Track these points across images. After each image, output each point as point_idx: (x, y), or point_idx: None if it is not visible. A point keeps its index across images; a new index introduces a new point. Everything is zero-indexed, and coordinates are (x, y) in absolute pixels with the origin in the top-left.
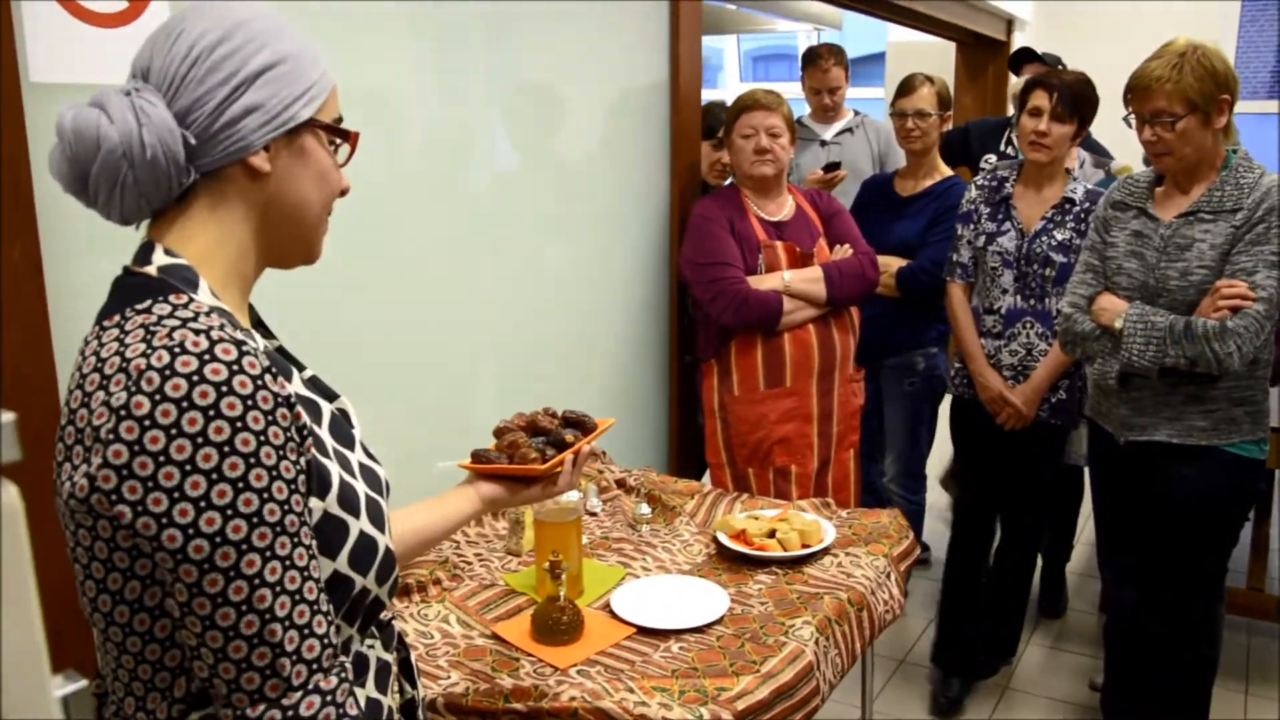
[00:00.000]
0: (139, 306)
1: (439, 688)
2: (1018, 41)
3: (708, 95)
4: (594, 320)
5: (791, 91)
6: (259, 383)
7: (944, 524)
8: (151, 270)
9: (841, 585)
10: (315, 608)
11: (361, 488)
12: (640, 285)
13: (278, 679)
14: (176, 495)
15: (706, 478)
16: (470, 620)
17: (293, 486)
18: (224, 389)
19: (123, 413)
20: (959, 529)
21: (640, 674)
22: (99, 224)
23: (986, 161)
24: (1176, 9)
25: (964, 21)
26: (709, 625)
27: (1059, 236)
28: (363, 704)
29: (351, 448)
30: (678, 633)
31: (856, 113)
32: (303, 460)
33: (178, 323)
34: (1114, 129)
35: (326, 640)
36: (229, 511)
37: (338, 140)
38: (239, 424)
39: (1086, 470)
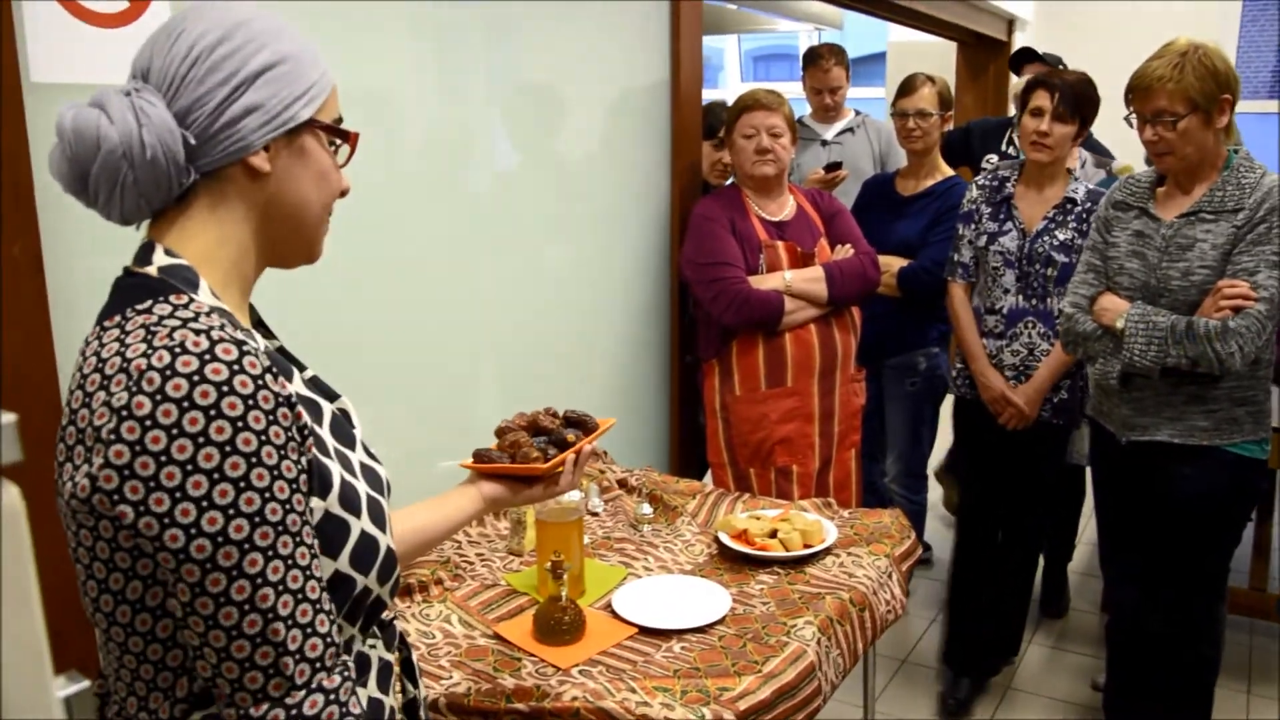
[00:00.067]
0: (140, 307)
1: (441, 688)
2: (1018, 41)
3: (708, 95)
4: (595, 320)
5: (792, 91)
6: (260, 382)
7: (944, 524)
8: (152, 271)
9: (843, 585)
10: (318, 607)
11: (363, 487)
12: (641, 285)
13: (281, 678)
14: (178, 495)
15: (708, 477)
16: (472, 620)
17: (294, 486)
18: (225, 389)
19: (124, 413)
20: (963, 529)
21: (642, 674)
22: (100, 224)
23: (988, 161)
24: (1177, 9)
25: (965, 21)
26: (711, 625)
27: (1061, 236)
28: (364, 704)
29: (352, 447)
30: (679, 633)
31: (857, 112)
32: (304, 460)
33: (178, 323)
34: (1115, 129)
35: (329, 639)
36: (231, 511)
37: (338, 141)
38: (240, 423)
39: (1088, 470)
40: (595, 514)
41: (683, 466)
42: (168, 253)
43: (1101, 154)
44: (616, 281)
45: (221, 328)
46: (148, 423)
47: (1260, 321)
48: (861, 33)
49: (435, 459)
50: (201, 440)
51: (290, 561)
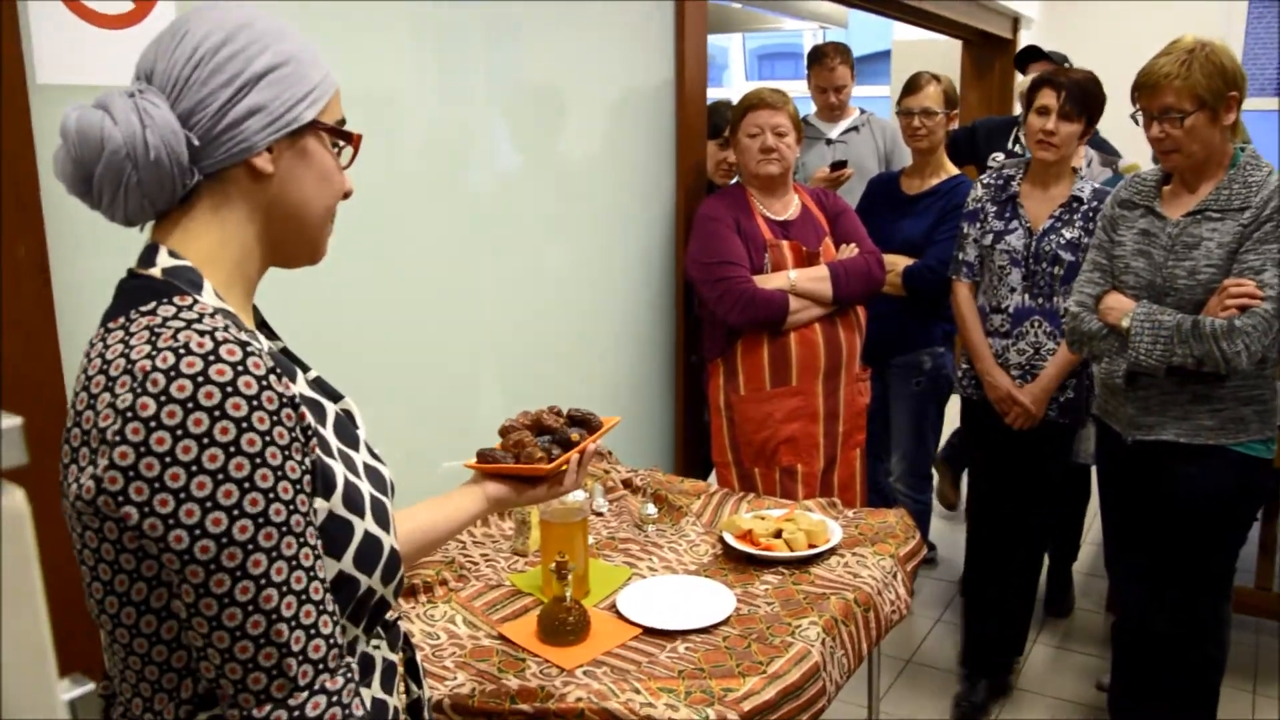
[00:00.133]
0: (144, 309)
1: (445, 688)
2: (1024, 39)
3: (713, 94)
4: (598, 320)
5: (797, 90)
6: (264, 383)
7: (949, 523)
8: (156, 272)
9: (848, 585)
10: (321, 608)
11: (366, 488)
12: (646, 284)
13: (284, 679)
14: (183, 496)
15: (713, 477)
16: (476, 621)
17: (298, 487)
18: (229, 390)
19: (128, 414)
20: (974, 533)
21: (646, 675)
22: (105, 225)
23: (994, 159)
24: (1182, 7)
25: (970, 19)
26: (715, 626)
27: (1067, 235)
28: (368, 704)
29: (356, 448)
30: (684, 633)
31: (862, 111)
32: (308, 460)
33: (182, 324)
34: (1122, 127)
35: (332, 640)
36: (235, 512)
37: (341, 142)
38: (244, 424)
39: (1094, 469)
40: (600, 514)
41: (687, 466)
42: (171, 254)
43: (1108, 152)
44: (620, 281)
45: (225, 329)
46: (152, 424)
47: (1266, 320)
48: (866, 31)
49: (436, 458)
50: (206, 441)
51: (294, 562)
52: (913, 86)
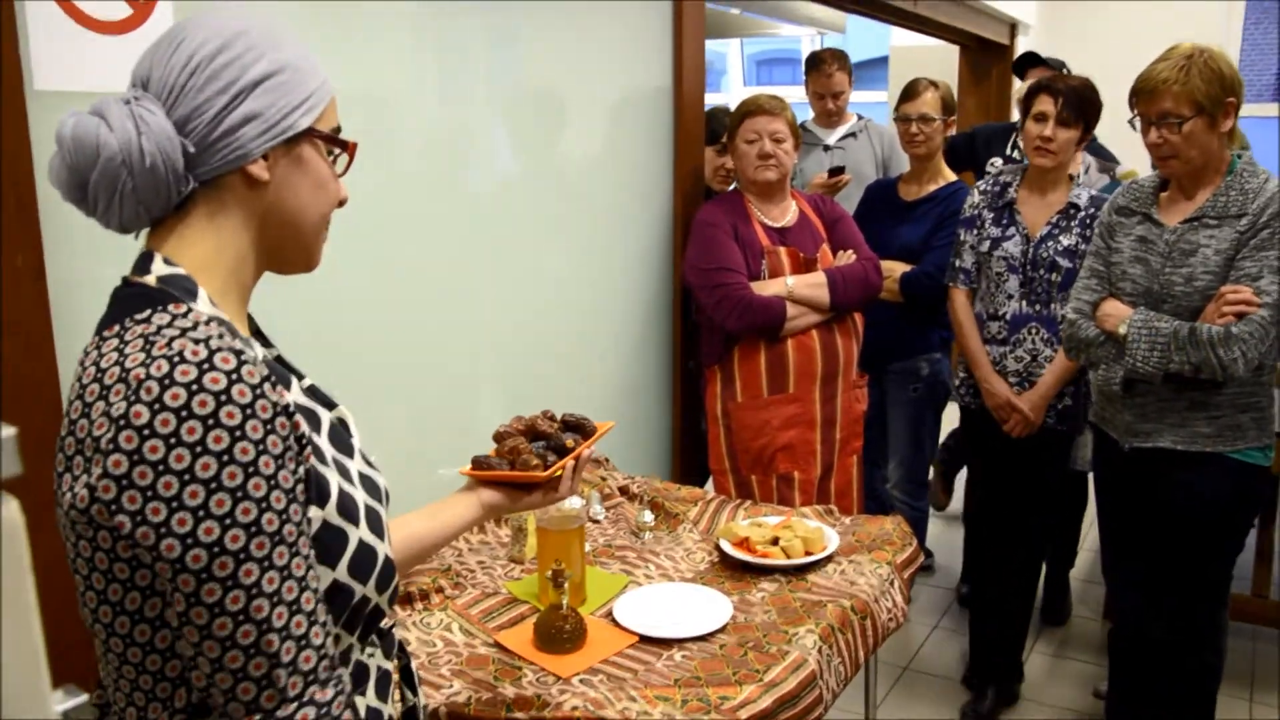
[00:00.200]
0: (138, 316)
1: (441, 696)
2: (1021, 45)
3: (711, 99)
4: (596, 325)
5: (795, 96)
6: (258, 392)
7: (946, 530)
8: (150, 280)
9: (845, 593)
10: (312, 618)
11: (361, 496)
12: (644, 290)
13: (273, 690)
14: (175, 505)
15: (709, 484)
16: (473, 628)
17: (291, 496)
18: (223, 398)
19: (122, 422)
20: (972, 539)
21: (643, 683)
22: (102, 231)
23: (992, 165)
24: (1180, 13)
25: (967, 25)
26: (712, 634)
27: (1064, 241)
28: (363, 713)
29: (351, 456)
30: (680, 641)
31: (860, 117)
32: (301, 469)
33: (177, 332)
34: (1120, 134)
35: (323, 651)
36: (227, 521)
37: (336, 150)
38: (238, 433)
39: (1091, 476)
40: (596, 521)
41: (684, 473)
42: (166, 262)
43: (1106, 159)
44: (618, 286)
45: (220, 337)
46: (145, 432)
47: (1263, 327)
48: (864, 37)
49: (435, 459)
50: (199, 450)
51: (286, 573)
52: (910, 93)
